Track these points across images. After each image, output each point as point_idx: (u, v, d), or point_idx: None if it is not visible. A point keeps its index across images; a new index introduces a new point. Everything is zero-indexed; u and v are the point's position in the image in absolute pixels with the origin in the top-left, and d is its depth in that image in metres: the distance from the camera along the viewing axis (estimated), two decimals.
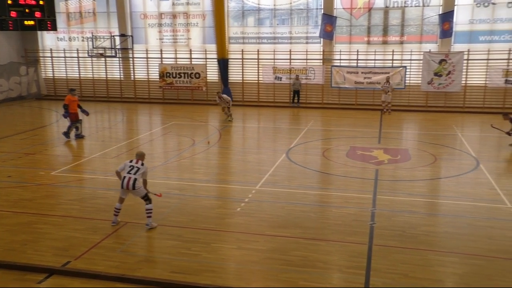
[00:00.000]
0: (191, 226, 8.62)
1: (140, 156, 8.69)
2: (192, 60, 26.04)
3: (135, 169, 8.45)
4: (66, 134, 16.14)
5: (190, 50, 26.05)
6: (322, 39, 24.34)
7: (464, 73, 22.90)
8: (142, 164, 8.53)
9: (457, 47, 23.19)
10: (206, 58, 25.78)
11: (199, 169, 12.77)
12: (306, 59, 24.65)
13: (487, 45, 22.93)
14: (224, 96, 19.93)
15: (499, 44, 22.77)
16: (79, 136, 16.36)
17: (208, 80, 25.69)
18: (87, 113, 16.67)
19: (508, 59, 22.46)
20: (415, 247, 7.81)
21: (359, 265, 7.18)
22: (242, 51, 25.35)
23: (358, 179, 11.64)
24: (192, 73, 25.54)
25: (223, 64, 25.26)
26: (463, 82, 22.99)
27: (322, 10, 24.07)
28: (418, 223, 8.82)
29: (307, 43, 24.96)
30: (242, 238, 8.23)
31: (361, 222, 8.80)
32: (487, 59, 22.77)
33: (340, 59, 24.50)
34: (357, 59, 24.06)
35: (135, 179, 8.35)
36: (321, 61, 24.56)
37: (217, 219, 9.05)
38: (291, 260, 7.34)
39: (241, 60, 25.48)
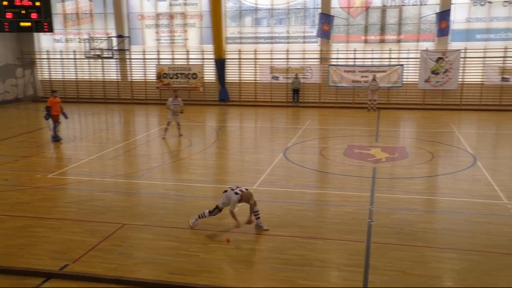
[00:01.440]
0: (189, 227, 8.60)
1: (245, 194, 8.20)
2: (189, 60, 26.03)
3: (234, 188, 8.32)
4: (55, 137, 16.06)
5: (187, 51, 26.05)
6: (319, 38, 24.35)
7: (461, 71, 22.94)
8: (236, 193, 8.16)
9: (454, 45, 23.24)
10: (203, 59, 25.79)
11: (196, 170, 12.75)
12: (304, 59, 24.67)
13: (483, 43, 22.98)
14: (180, 99, 16.86)
15: (495, 42, 22.84)
16: (56, 139, 16.07)
17: (205, 81, 25.68)
18: (66, 117, 16.41)
19: (504, 57, 22.53)
20: (413, 244, 7.81)
21: (357, 263, 7.17)
22: (240, 51, 25.35)
23: (356, 178, 11.64)
24: (189, 73, 25.54)
25: (220, 64, 25.26)
26: (460, 80, 23.03)
27: (320, 9, 24.08)
28: (416, 220, 8.83)
29: (304, 42, 24.98)
30: (240, 238, 8.21)
31: (359, 220, 8.80)
32: (484, 57, 22.81)
33: (338, 58, 24.52)
34: (355, 58, 24.07)
35: (227, 190, 8.33)
36: (319, 60, 24.57)
37: (215, 219, 9.00)
38: (289, 259, 7.33)
39: (238, 60, 25.48)
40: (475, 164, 12.67)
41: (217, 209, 8.45)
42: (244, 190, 8.27)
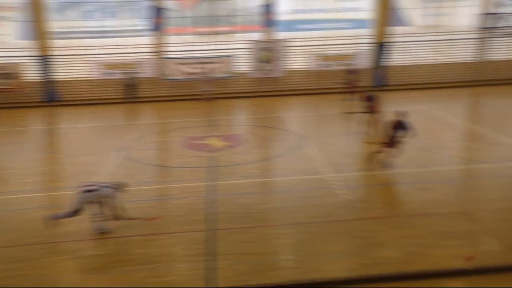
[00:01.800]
0: (19, 243, 7.84)
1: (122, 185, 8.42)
2: (7, 58, 23.32)
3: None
4: None
5: (5, 48, 23.31)
6: (152, 31, 23.95)
7: (287, 59, 24.85)
8: (114, 188, 8.20)
9: (280, 35, 25.00)
10: (23, 56, 23.34)
11: (25, 179, 11.55)
12: (137, 53, 24.06)
13: (306, 33, 25.26)
14: None
15: (316, 32, 25.32)
16: None
17: (27, 80, 23.30)
18: None
19: (324, 45, 25.08)
20: (253, 225, 8.33)
21: (201, 252, 7.38)
22: (68, 46, 23.62)
23: (195, 168, 11.83)
24: (7, 73, 22.87)
25: (46, 61, 23.19)
26: (287, 67, 24.94)
27: (152, 2, 23.64)
28: (254, 203, 9.40)
29: (137, 36, 24.34)
30: (80, 246, 7.78)
31: (200, 210, 9.02)
32: (306, 46, 25.08)
33: (172, 51, 24.47)
34: (188, 50, 24.31)
35: (90, 190, 8.06)
36: (153, 53, 24.20)
37: (50, 231, 8.35)
38: (134, 259, 7.21)
39: (67, 56, 23.71)
40: (302, 145, 13.91)
41: (78, 211, 8.00)
42: (113, 183, 8.29)
